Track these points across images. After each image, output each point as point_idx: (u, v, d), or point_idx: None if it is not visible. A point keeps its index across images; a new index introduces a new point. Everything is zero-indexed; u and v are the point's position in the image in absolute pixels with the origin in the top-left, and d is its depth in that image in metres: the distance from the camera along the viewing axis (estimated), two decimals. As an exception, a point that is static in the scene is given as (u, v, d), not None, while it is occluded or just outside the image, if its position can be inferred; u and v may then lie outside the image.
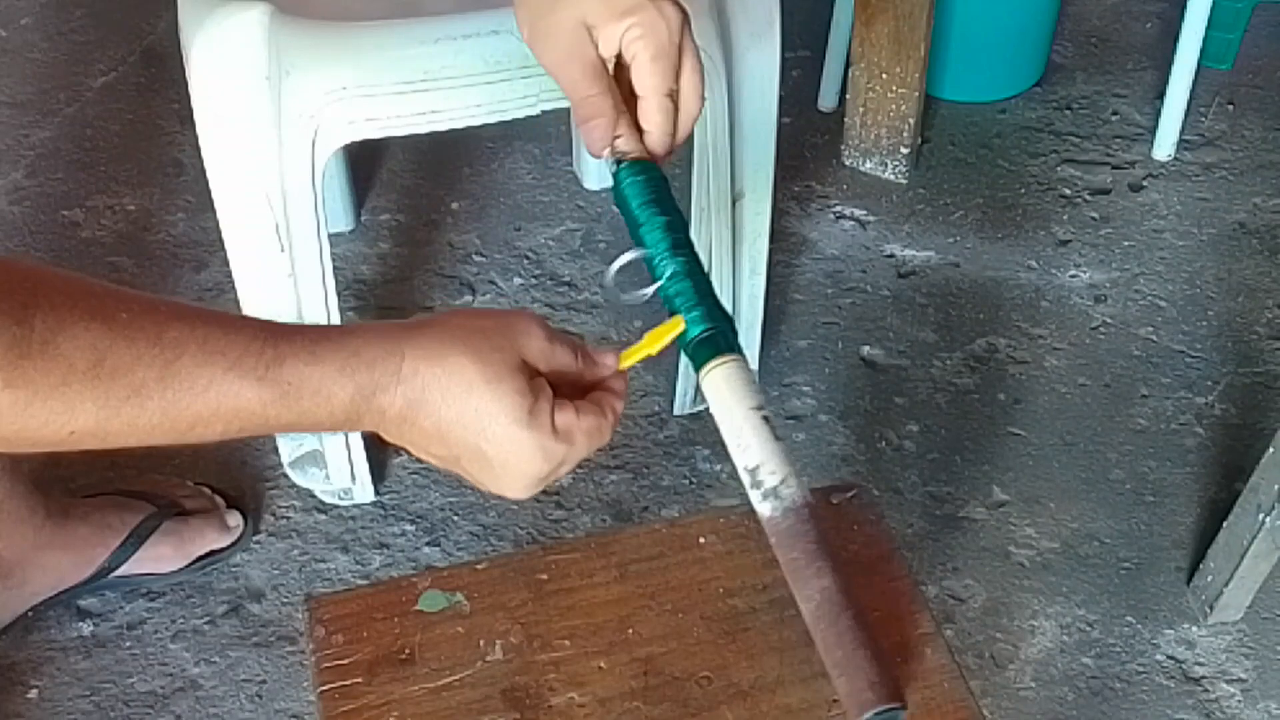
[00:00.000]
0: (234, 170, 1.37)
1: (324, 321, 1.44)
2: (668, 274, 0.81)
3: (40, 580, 1.50)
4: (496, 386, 0.70)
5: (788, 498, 0.77)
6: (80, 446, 0.64)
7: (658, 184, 0.84)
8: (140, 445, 0.65)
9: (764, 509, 0.77)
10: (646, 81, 0.83)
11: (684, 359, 1.02)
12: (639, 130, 0.85)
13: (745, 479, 0.78)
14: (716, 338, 0.80)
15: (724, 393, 0.78)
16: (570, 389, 0.75)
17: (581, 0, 0.82)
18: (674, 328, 0.79)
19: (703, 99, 0.86)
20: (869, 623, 0.76)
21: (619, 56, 0.84)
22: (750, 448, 0.77)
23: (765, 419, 0.78)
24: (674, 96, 0.84)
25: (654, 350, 0.79)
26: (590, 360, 0.77)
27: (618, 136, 0.84)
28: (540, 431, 0.72)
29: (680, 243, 0.82)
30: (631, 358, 0.78)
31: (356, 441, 1.58)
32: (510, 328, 0.72)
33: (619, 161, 0.84)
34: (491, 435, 0.71)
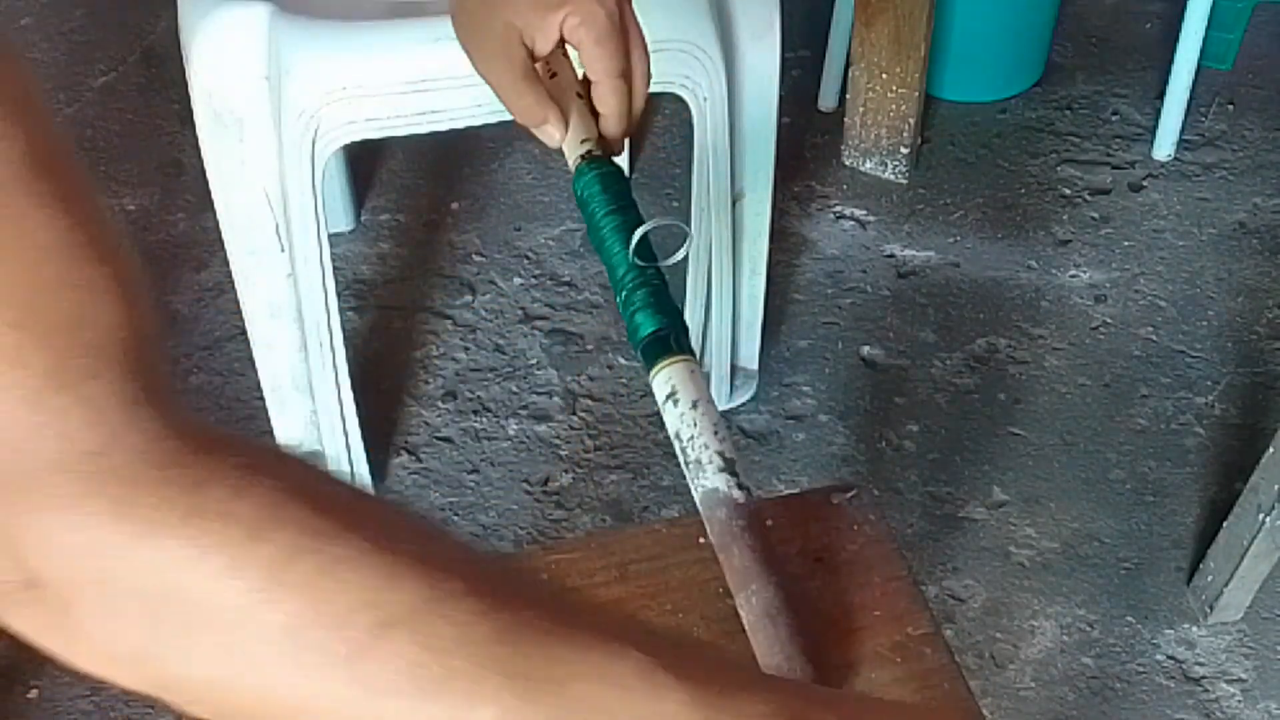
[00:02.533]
0: (234, 170, 1.36)
1: (323, 321, 1.44)
2: (622, 274, 0.82)
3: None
4: None
5: (730, 499, 0.77)
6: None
7: (617, 182, 0.84)
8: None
9: (705, 508, 0.77)
10: (596, 65, 0.83)
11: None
12: (594, 114, 0.85)
13: (690, 479, 0.78)
14: (668, 338, 0.80)
15: (673, 392, 0.79)
16: None
17: (512, 1, 0.82)
18: None
19: (649, 75, 0.86)
20: (808, 628, 0.76)
21: (564, 44, 0.83)
22: (695, 448, 0.78)
23: (714, 420, 0.78)
24: (627, 76, 0.84)
25: None
26: None
27: (585, 141, 0.84)
28: None
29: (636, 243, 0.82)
30: None
31: (356, 441, 1.58)
32: None
33: (581, 158, 0.85)
34: None
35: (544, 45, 0.83)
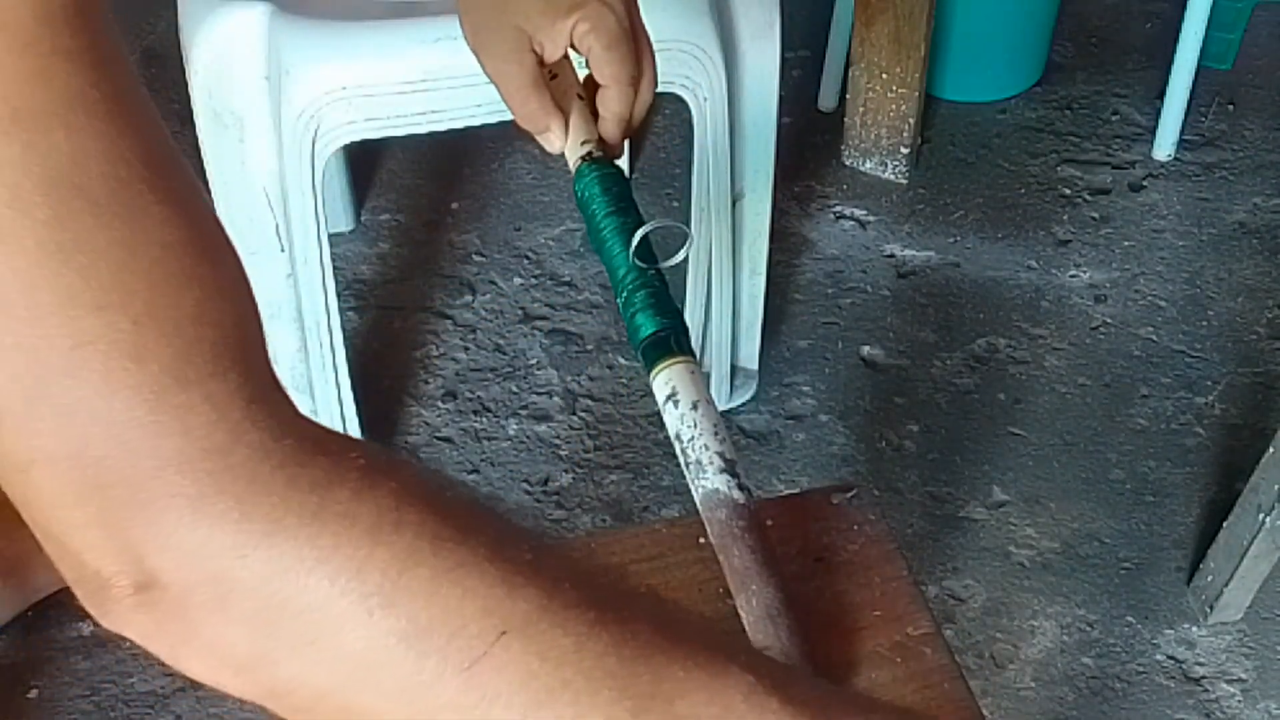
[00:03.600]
0: (234, 170, 1.37)
1: (323, 321, 1.44)
2: (622, 275, 0.82)
3: (41, 579, 1.50)
4: None
5: (730, 499, 0.77)
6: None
7: (617, 183, 0.84)
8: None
9: (705, 509, 0.78)
10: (606, 71, 0.83)
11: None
12: (595, 116, 0.85)
13: (690, 480, 0.78)
14: (668, 339, 0.80)
15: (673, 393, 0.79)
16: None
17: (522, 5, 0.82)
18: None
19: (656, 81, 0.86)
20: (808, 628, 0.77)
21: (573, 49, 0.83)
22: (695, 449, 0.78)
23: (714, 421, 0.78)
24: (634, 82, 0.84)
25: None
26: None
27: (586, 143, 0.84)
28: None
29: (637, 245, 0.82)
30: None
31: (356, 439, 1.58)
32: None
33: (582, 160, 0.85)
34: None
35: (554, 51, 0.83)
